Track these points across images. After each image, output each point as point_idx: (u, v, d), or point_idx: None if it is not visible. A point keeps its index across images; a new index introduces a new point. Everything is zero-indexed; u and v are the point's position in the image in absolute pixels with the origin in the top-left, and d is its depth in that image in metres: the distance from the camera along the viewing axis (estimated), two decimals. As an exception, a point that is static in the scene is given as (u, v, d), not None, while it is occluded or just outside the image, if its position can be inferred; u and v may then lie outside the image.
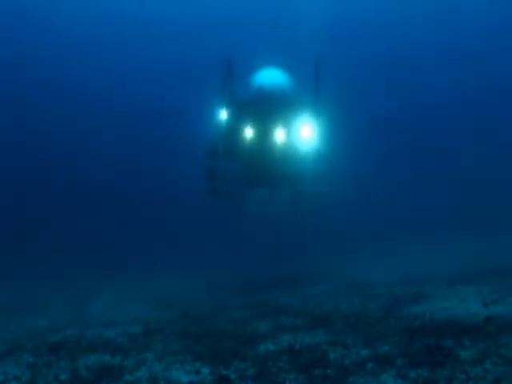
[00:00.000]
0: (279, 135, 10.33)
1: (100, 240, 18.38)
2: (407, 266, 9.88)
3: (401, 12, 29.85)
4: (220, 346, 4.67)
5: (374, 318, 5.38)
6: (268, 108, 10.29)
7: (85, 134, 29.96)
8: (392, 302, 6.22)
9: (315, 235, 16.03)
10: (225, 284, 10.88)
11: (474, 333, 4.18)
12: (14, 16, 29.64)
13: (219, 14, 30.62)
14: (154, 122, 30.98)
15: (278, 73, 10.84)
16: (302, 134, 10.35)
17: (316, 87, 10.30)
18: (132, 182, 27.12)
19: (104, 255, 15.29)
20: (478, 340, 3.95)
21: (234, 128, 10.45)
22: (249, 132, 10.31)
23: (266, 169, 10.62)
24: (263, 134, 10.36)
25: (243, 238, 16.20)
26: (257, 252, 15.12)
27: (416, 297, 6.40)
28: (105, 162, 28.43)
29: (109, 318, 6.99)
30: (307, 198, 10.84)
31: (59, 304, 9.59)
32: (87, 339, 5.55)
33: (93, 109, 30.48)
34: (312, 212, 11.16)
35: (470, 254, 10.83)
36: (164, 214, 22.95)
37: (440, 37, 30.62)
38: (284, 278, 11.10)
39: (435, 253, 11.95)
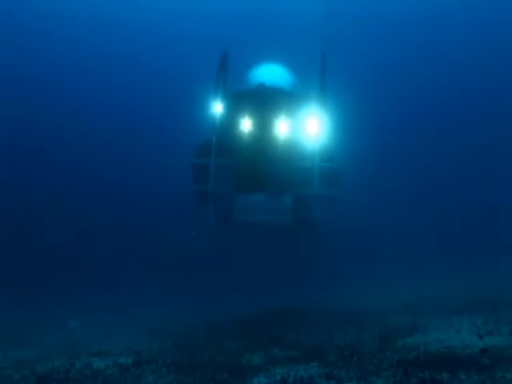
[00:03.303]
0: (282, 127, 8.91)
1: (87, 263, 17.89)
2: (402, 293, 9.80)
3: (410, 8, 29.71)
4: (213, 378, 4.58)
5: (368, 349, 5.32)
6: (269, 100, 9.02)
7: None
8: (387, 333, 6.16)
9: (315, 252, 15.47)
10: (217, 313, 10.60)
11: (470, 366, 4.14)
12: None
13: (216, 8, 30.50)
14: (142, 119, 29.81)
15: (279, 68, 10.09)
16: (308, 127, 8.97)
17: (322, 79, 9.20)
18: (116, 183, 25.65)
19: (91, 280, 14.93)
20: (473, 373, 3.92)
21: (229, 122, 9.14)
22: (246, 124, 8.92)
23: (266, 168, 9.08)
24: (263, 126, 8.94)
25: (237, 257, 15.58)
26: (251, 277, 14.59)
27: (411, 327, 6.35)
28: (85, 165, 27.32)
29: (99, 348, 6.85)
30: (313, 204, 9.28)
31: (47, 332, 9.38)
32: (77, 370, 5.42)
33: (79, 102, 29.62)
34: (319, 220, 9.39)
35: (463, 282, 10.82)
36: (148, 224, 21.75)
37: (452, 36, 30.44)
38: (277, 312, 10.19)
39: (429, 280, 11.90)
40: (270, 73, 9.82)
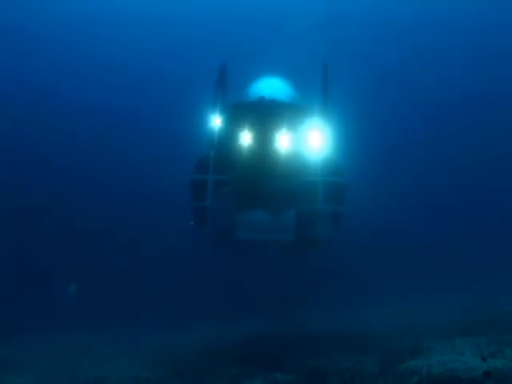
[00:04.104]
0: (283, 141, 8.56)
1: (86, 285, 17.58)
2: (403, 314, 9.65)
3: (411, 15, 29.73)
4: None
5: (369, 373, 5.22)
6: (270, 112, 8.70)
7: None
8: (388, 356, 6.06)
9: (316, 272, 15.17)
10: (215, 337, 10.39)
11: (473, 390, 4.05)
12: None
13: (215, 14, 30.48)
14: (138, 132, 29.50)
15: (279, 81, 9.77)
16: (311, 141, 8.68)
17: (324, 90, 8.98)
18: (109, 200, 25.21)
19: (89, 304, 14.67)
20: (477, 398, 3.83)
21: (228, 136, 8.78)
22: (246, 137, 8.58)
23: (267, 183, 8.66)
24: (264, 140, 8.59)
25: (236, 278, 15.25)
26: (250, 299, 14.31)
27: (413, 350, 6.23)
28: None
29: (97, 374, 6.74)
30: (317, 221, 8.72)
31: (46, 359, 9.24)
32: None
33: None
34: (323, 238, 8.85)
35: (465, 302, 10.68)
36: (144, 245, 21.28)
37: (453, 40, 30.43)
38: (277, 335, 9.87)
39: (431, 300, 11.76)
40: (271, 86, 9.53)
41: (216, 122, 8.79)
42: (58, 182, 26.02)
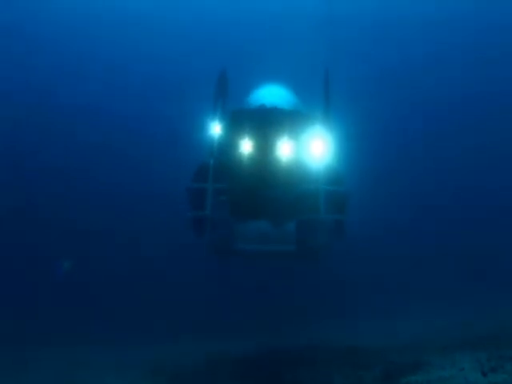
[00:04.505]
0: (284, 149, 8.37)
1: (85, 296, 17.33)
2: (403, 329, 9.57)
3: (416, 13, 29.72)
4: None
5: (370, 389, 5.19)
6: (271, 120, 8.49)
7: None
8: (388, 371, 6.02)
9: (316, 285, 14.98)
10: (215, 352, 10.22)
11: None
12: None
13: (215, 17, 30.53)
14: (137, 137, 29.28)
15: (280, 89, 9.62)
16: (312, 149, 8.49)
17: (326, 97, 8.83)
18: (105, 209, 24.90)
19: (87, 315, 14.51)
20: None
21: (228, 144, 8.55)
22: (246, 146, 8.38)
23: (268, 192, 8.45)
24: (264, 148, 8.38)
25: (235, 293, 15.02)
26: (249, 314, 14.12)
27: (413, 365, 6.19)
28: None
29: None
30: (319, 231, 8.45)
31: (45, 372, 9.19)
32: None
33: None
34: (325, 249, 8.60)
35: (465, 316, 10.60)
36: (146, 259, 20.96)
37: (454, 41, 30.36)
38: (276, 351, 9.55)
39: (431, 314, 11.67)
40: (272, 94, 9.38)
41: (216, 129, 8.62)
42: (58, 182, 25.99)
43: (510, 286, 14.16)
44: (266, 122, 8.39)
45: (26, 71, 30.19)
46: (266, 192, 8.37)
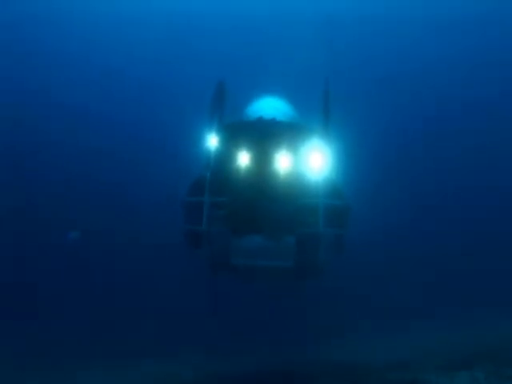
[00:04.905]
0: (282, 162, 8.22)
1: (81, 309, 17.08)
2: (401, 347, 9.55)
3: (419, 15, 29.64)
4: None
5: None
6: (269, 132, 8.38)
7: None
8: (385, 390, 6.01)
9: (314, 303, 14.93)
10: (214, 371, 10.12)
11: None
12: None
13: (212, 26, 30.45)
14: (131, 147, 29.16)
15: (279, 101, 9.59)
16: (311, 162, 8.31)
17: (325, 110, 8.70)
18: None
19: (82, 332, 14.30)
20: None
21: (225, 157, 8.41)
22: (244, 158, 8.22)
23: (266, 206, 8.24)
24: (262, 160, 8.23)
25: (231, 310, 14.84)
26: (248, 334, 13.33)
27: (411, 383, 6.19)
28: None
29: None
30: (318, 246, 8.16)
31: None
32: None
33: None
34: (324, 264, 8.33)
35: (463, 333, 10.58)
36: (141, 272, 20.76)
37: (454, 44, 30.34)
38: (275, 373, 9.24)
39: (429, 332, 11.65)
40: (270, 106, 9.34)
41: (213, 141, 8.49)
42: (59, 182, 25.91)
43: (509, 304, 14.12)
44: (264, 135, 8.27)
45: (25, 71, 30.19)
46: (263, 205, 8.19)
